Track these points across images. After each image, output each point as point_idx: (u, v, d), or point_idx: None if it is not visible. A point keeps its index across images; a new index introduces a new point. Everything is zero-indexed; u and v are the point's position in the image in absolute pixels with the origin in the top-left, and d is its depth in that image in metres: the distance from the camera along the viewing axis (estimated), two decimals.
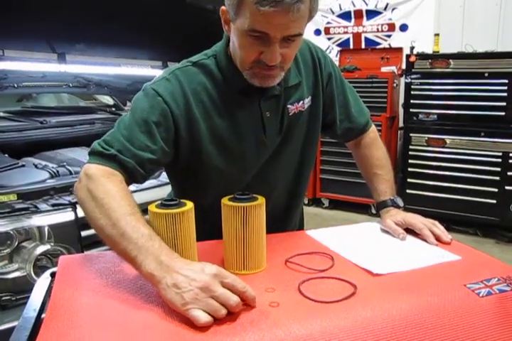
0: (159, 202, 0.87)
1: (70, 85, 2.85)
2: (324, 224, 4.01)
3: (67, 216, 1.65)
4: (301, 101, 1.11)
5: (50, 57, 2.47)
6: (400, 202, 1.20)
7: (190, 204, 0.88)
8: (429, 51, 3.78)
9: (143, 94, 1.02)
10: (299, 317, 0.74)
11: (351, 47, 4.75)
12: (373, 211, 4.01)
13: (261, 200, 0.89)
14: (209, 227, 0.97)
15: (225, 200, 0.90)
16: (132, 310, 0.78)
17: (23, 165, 1.96)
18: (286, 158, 1.15)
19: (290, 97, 1.09)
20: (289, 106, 1.09)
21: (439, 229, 1.09)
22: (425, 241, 1.06)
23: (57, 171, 1.95)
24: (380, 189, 1.22)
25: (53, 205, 1.64)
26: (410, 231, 1.11)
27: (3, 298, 1.57)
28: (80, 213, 1.65)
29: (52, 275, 0.97)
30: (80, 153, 2.41)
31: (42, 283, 0.95)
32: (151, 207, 0.86)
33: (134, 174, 0.97)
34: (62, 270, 0.97)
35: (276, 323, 0.72)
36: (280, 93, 1.07)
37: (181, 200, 0.88)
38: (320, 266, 0.93)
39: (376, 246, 1.05)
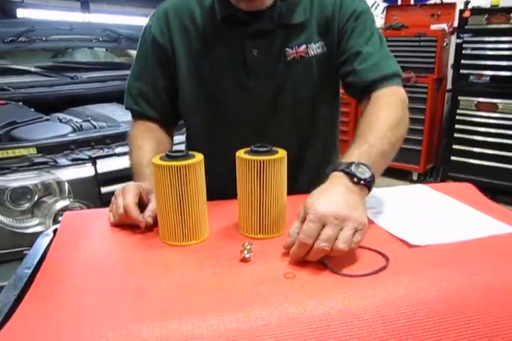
0: (164, 153, 0.76)
1: (100, 39, 2.75)
2: None
3: (86, 171, 1.58)
4: (305, 46, 0.96)
5: (73, 5, 2.35)
6: (362, 173, 0.74)
7: (199, 156, 0.76)
8: (486, 6, 3.44)
9: (142, 30, 1.07)
10: (317, 293, 0.62)
11: (399, 3, 4.42)
12: (414, 177, 3.82)
13: (281, 153, 0.77)
14: (216, 189, 0.88)
15: (240, 153, 0.78)
16: (128, 274, 0.69)
17: (47, 120, 1.90)
18: (288, 113, 1.02)
19: (291, 39, 0.96)
20: (287, 49, 0.95)
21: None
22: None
23: (81, 126, 1.88)
24: (350, 151, 0.81)
25: (73, 160, 1.57)
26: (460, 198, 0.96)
27: (25, 252, 1.54)
28: (100, 168, 1.58)
29: (55, 232, 0.89)
30: (109, 109, 2.35)
31: (42, 240, 0.87)
32: (155, 159, 0.75)
33: (161, 119, 1.09)
34: (64, 227, 0.89)
35: (290, 298, 0.61)
36: (272, 29, 0.94)
37: (190, 152, 0.77)
38: None
39: (414, 213, 0.92)
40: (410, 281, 0.65)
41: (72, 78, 2.53)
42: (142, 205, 0.84)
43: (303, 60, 0.97)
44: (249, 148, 0.78)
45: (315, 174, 1.04)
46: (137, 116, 1.10)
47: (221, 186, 0.94)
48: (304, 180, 1.08)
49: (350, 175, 0.73)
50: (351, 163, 0.75)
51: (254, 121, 1.02)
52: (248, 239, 0.79)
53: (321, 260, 0.70)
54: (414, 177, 3.83)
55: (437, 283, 0.64)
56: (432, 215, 0.90)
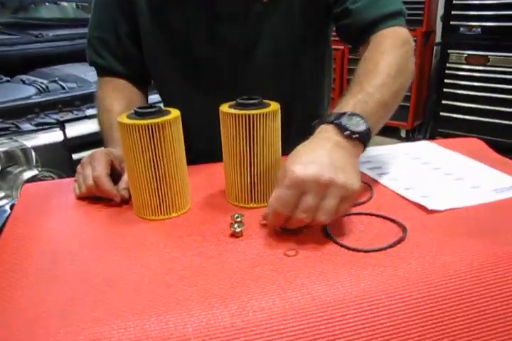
0: (132, 110, 0.63)
1: None
2: None
3: (54, 136, 1.42)
4: None
5: None
6: (356, 125, 0.61)
7: (175, 112, 0.63)
8: None
9: None
10: (326, 274, 0.51)
11: None
12: (402, 134, 3.73)
13: (274, 106, 0.64)
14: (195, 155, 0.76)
15: (223, 107, 0.64)
16: (95, 259, 0.57)
17: (7, 81, 1.72)
18: (261, 64, 0.88)
19: None
20: None
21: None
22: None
23: (47, 87, 1.71)
24: (343, 101, 0.67)
25: (37, 124, 1.41)
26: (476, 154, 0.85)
27: None
28: (70, 133, 1.43)
29: (13, 207, 0.76)
30: (80, 69, 2.15)
31: None
32: (121, 118, 0.62)
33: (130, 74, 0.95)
34: (23, 202, 0.76)
35: (293, 282, 0.50)
36: None
37: (163, 108, 0.64)
38: None
39: (425, 173, 0.80)
40: (434, 255, 0.54)
41: (36, 36, 2.32)
42: (115, 175, 0.72)
43: (282, 2, 0.83)
44: (234, 101, 0.65)
45: (302, 136, 0.93)
46: (103, 71, 0.96)
47: (200, 151, 0.85)
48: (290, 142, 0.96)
49: (341, 128, 0.60)
50: (343, 114, 0.61)
51: (230, 71, 0.89)
52: (238, 209, 0.67)
53: (328, 232, 0.59)
54: (403, 134, 3.72)
55: (467, 257, 0.54)
56: (446, 174, 0.79)
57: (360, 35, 0.83)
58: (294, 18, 0.85)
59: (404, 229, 0.60)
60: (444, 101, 3.45)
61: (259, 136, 0.62)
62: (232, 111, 0.62)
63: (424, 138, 3.62)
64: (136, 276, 0.52)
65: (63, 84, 1.78)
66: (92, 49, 0.94)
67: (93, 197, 0.72)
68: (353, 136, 0.60)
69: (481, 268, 0.52)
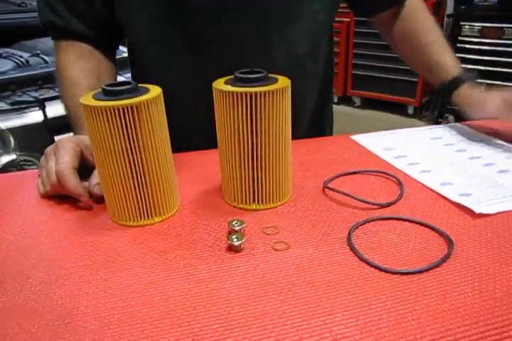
0: (99, 88, 0.49)
1: None
2: (355, 124, 3.58)
3: (33, 117, 1.28)
4: None
5: None
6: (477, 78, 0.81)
7: (155, 90, 0.49)
8: None
9: None
10: (352, 308, 0.38)
11: None
12: (410, 111, 3.57)
13: (283, 82, 0.50)
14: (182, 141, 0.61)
15: (218, 83, 0.50)
16: (50, 287, 0.44)
17: None
18: (265, 20, 0.72)
19: None
20: None
21: None
22: None
23: (27, 61, 1.55)
24: (446, 61, 0.83)
25: (14, 103, 1.26)
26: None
27: None
28: (51, 113, 1.29)
29: None
30: None
31: None
32: (85, 99, 0.48)
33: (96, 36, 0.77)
34: None
35: (309, 320, 0.37)
36: None
37: (140, 85, 0.50)
38: (381, 197, 0.56)
39: (462, 163, 0.67)
40: (494, 278, 0.41)
41: (19, 5, 2.16)
42: (86, 169, 0.58)
43: None
44: (232, 76, 0.50)
45: (311, 101, 0.87)
46: (61, 34, 0.77)
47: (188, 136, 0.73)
48: (304, 121, 0.84)
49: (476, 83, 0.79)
50: (467, 73, 0.80)
51: (232, 34, 0.72)
52: (237, 212, 0.54)
53: (352, 246, 0.46)
54: (410, 110, 3.57)
55: None
56: (487, 165, 0.66)
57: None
58: None
59: (449, 241, 0.47)
60: None
61: (265, 119, 0.48)
62: (230, 88, 0.48)
63: (433, 114, 3.47)
64: (102, 310, 0.39)
65: (46, 58, 1.63)
66: (47, 6, 0.75)
67: (62, 196, 0.59)
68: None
69: None
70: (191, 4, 0.69)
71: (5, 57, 1.56)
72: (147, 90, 0.48)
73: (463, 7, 3.17)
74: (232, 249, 0.47)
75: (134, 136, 0.47)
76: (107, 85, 0.47)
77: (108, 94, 0.47)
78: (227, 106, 0.48)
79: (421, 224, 0.50)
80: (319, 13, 0.76)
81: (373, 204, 0.54)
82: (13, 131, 1.25)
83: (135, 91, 0.47)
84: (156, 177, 0.51)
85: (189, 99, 0.77)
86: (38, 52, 1.65)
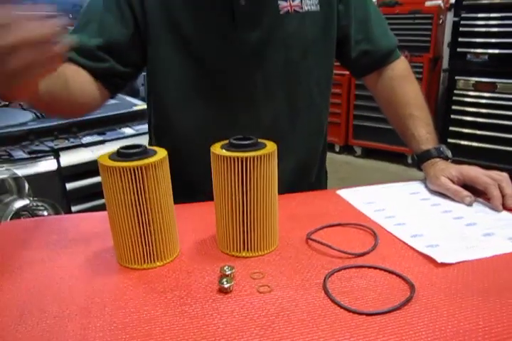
0: (115, 150, 0.58)
1: None
2: (355, 173, 3.72)
3: (48, 165, 1.38)
4: (299, 0, 0.85)
5: None
6: (448, 152, 0.90)
7: (162, 153, 0.58)
8: None
9: None
10: (324, 339, 0.45)
11: None
12: (409, 161, 3.67)
13: (270, 147, 0.59)
14: (186, 186, 0.69)
15: (215, 148, 0.59)
16: (64, 317, 0.51)
17: (6, 105, 1.68)
18: (279, 72, 0.87)
19: None
20: (280, 1, 0.84)
21: (510, 186, 0.79)
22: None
23: None
24: (420, 135, 0.92)
25: (31, 152, 1.37)
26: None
27: None
28: (65, 162, 1.39)
29: None
30: None
31: None
32: (102, 159, 0.57)
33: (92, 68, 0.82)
34: None
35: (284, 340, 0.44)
36: None
37: (149, 147, 0.59)
38: (357, 247, 0.64)
39: (434, 217, 0.74)
40: (447, 321, 0.48)
41: None
42: None
43: (297, 15, 0.85)
44: (227, 141, 0.60)
45: (304, 152, 0.97)
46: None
47: (198, 179, 0.79)
48: (291, 159, 0.92)
49: (444, 157, 0.89)
50: (437, 148, 0.89)
51: (241, 82, 0.86)
52: (229, 259, 0.62)
53: (327, 289, 0.53)
54: (409, 160, 3.67)
55: (484, 324, 0.48)
56: (456, 219, 0.73)
57: (381, 61, 0.97)
58: (305, 30, 0.87)
59: (411, 286, 0.54)
60: (451, 128, 3.40)
61: (254, 180, 0.57)
62: (225, 152, 0.57)
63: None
64: (109, 340, 0.46)
65: None
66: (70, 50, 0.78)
67: (72, 241, 0.66)
68: (449, 160, 0.89)
69: (501, 338, 0.46)
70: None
71: (25, 109, 1.68)
72: (155, 153, 0.57)
73: (457, 63, 3.33)
74: (222, 290, 0.54)
75: (142, 191, 0.56)
76: (121, 148, 0.56)
77: (121, 155, 0.56)
78: (222, 167, 0.57)
79: (389, 271, 0.57)
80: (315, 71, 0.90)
81: (349, 253, 0.62)
82: (28, 177, 1.34)
83: (144, 154, 0.56)
84: (159, 227, 0.59)
85: (199, 134, 0.87)
86: None
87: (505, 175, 0.81)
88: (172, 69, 0.85)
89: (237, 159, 0.56)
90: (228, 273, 0.55)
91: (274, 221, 0.63)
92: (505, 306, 0.50)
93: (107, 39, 0.82)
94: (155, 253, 0.60)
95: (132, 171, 0.54)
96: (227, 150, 0.58)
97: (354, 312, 0.50)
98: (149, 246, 0.59)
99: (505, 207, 0.76)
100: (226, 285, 0.53)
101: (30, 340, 0.47)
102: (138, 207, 0.56)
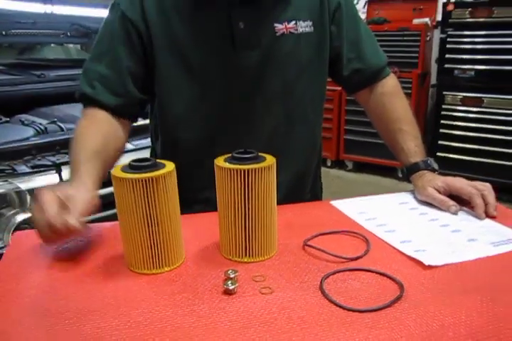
0: (127, 163, 0.62)
1: (69, 34, 2.57)
2: (346, 187, 3.77)
3: (50, 179, 1.42)
4: (294, 22, 0.92)
5: None
6: (435, 165, 0.96)
7: (170, 166, 0.63)
8: None
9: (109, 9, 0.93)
10: (320, 336, 0.49)
11: None
12: (400, 174, 3.73)
13: (269, 160, 0.64)
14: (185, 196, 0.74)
15: (219, 161, 0.64)
16: (82, 316, 0.55)
17: (6, 122, 1.73)
18: (276, 90, 0.93)
19: (279, 14, 0.91)
20: (276, 24, 0.90)
21: (492, 195, 0.84)
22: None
23: (45, 128, 1.72)
24: (409, 148, 0.97)
25: (34, 167, 1.41)
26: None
27: None
28: (66, 175, 1.43)
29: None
30: (79, 109, 2.17)
31: None
32: (115, 171, 0.61)
33: (117, 107, 0.91)
34: (12, 251, 0.75)
35: (286, 335, 0.48)
36: (258, 0, 0.89)
37: (158, 160, 0.64)
38: (350, 252, 0.68)
39: (422, 224, 0.80)
40: (433, 316, 0.53)
41: (39, 76, 2.35)
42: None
43: (292, 36, 0.92)
44: (230, 155, 0.65)
45: (300, 164, 1.03)
46: (89, 103, 0.91)
47: (198, 190, 0.89)
48: (288, 171, 0.97)
49: (431, 170, 0.95)
50: (425, 161, 0.95)
51: (241, 100, 0.92)
52: (232, 264, 0.66)
53: (323, 290, 0.58)
54: (400, 174, 3.74)
55: (466, 318, 0.53)
56: (442, 226, 0.79)
57: (372, 78, 1.03)
58: (300, 51, 0.93)
59: (401, 287, 0.59)
60: (440, 142, 3.48)
61: (255, 190, 0.62)
62: (228, 165, 0.62)
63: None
64: (124, 338, 0.50)
65: (62, 125, 1.79)
66: (85, 80, 0.91)
67: (84, 249, 0.71)
68: (436, 172, 0.94)
69: (481, 328, 0.51)
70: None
71: (27, 125, 1.73)
72: (163, 166, 0.62)
73: (445, 78, 3.42)
74: (227, 292, 0.58)
75: (152, 201, 0.60)
76: (133, 161, 0.61)
77: (133, 168, 0.61)
78: (225, 179, 0.62)
79: (380, 273, 0.62)
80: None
81: (343, 258, 0.66)
82: (31, 191, 1.38)
83: (154, 166, 0.61)
84: (167, 235, 0.63)
85: (204, 151, 0.91)
86: (55, 120, 1.82)
87: (488, 185, 0.86)
88: (176, 90, 0.91)
89: (239, 171, 0.61)
90: (232, 276, 0.60)
91: (273, 228, 0.68)
92: (485, 302, 0.55)
93: (123, 70, 0.89)
94: (163, 259, 0.64)
95: (143, 182, 0.59)
96: (230, 163, 0.63)
97: (349, 309, 0.54)
98: (158, 253, 0.64)
99: (487, 215, 0.81)
100: (231, 287, 0.57)
101: (51, 338, 0.51)
102: (148, 215, 0.61)
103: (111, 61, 0.90)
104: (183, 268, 0.66)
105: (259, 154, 0.65)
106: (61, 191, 0.69)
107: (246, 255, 0.67)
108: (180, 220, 0.67)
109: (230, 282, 0.58)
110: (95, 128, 0.88)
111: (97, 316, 0.55)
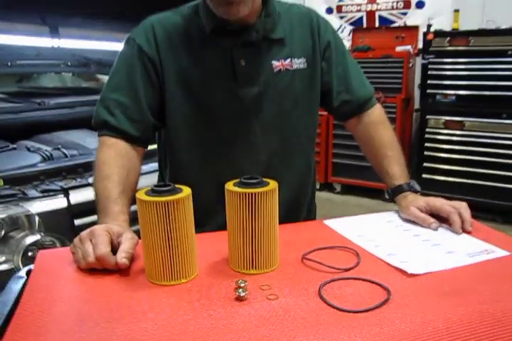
0: (149, 188, 0.72)
1: (69, 64, 2.69)
2: (335, 209, 3.86)
3: (58, 203, 1.50)
4: (290, 59, 1.03)
5: (42, 30, 2.30)
6: (417, 187, 1.06)
7: (186, 190, 0.72)
8: (447, 29, 3.56)
9: (124, 43, 1.04)
10: (322, 331, 0.59)
11: (364, 26, 4.52)
12: (386, 196, 3.84)
13: (272, 185, 0.74)
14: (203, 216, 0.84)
15: (229, 185, 0.74)
16: (112, 321, 0.63)
17: (14, 149, 1.82)
18: (273, 121, 1.05)
19: (276, 52, 1.03)
20: (274, 61, 1.02)
21: (468, 213, 0.94)
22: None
23: (51, 154, 1.81)
24: (394, 172, 1.08)
25: (43, 191, 1.50)
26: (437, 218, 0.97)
27: None
28: (73, 199, 1.51)
29: (29, 273, 0.82)
30: (79, 136, 2.27)
31: (15, 285, 0.79)
32: (139, 194, 0.71)
33: (138, 136, 1.00)
34: (39, 268, 0.82)
35: (292, 340, 0.57)
36: (258, 41, 1.00)
37: (176, 185, 0.73)
38: (343, 264, 0.78)
39: (406, 239, 0.90)
40: (416, 315, 0.62)
41: (39, 104, 2.44)
42: (112, 249, 0.78)
43: (288, 72, 1.04)
44: (238, 180, 0.75)
45: (297, 186, 1.14)
46: (109, 132, 0.98)
47: (207, 211, 0.99)
48: (285, 191, 1.05)
49: (414, 191, 1.05)
50: (408, 183, 1.05)
51: (242, 129, 1.04)
52: (240, 276, 0.75)
53: (321, 295, 0.67)
54: (386, 195, 3.85)
55: (444, 316, 0.62)
56: (424, 241, 0.89)
57: (359, 108, 1.14)
58: (294, 85, 1.05)
59: (388, 291, 0.68)
60: (425, 164, 3.61)
61: (260, 211, 0.72)
62: (237, 189, 0.72)
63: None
64: (153, 338, 0.59)
65: (66, 152, 1.88)
66: (105, 108, 0.98)
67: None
68: (418, 193, 1.05)
69: (456, 324, 0.60)
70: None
71: (33, 151, 1.82)
72: (181, 190, 0.72)
73: (427, 103, 3.58)
74: (238, 298, 0.67)
75: (172, 220, 0.70)
76: (155, 186, 0.71)
77: (155, 192, 0.70)
78: (234, 201, 0.72)
79: (370, 281, 0.72)
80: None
81: (338, 269, 0.76)
82: (40, 214, 1.46)
83: (174, 191, 0.71)
84: (184, 250, 0.72)
85: (209, 182, 1.04)
86: (59, 146, 1.91)
87: (464, 204, 0.97)
88: (183, 120, 1.02)
89: (247, 194, 0.71)
90: (242, 285, 0.69)
91: (275, 244, 0.77)
92: (461, 303, 0.65)
93: (141, 100, 0.99)
94: (180, 271, 0.73)
95: (165, 205, 0.69)
96: (238, 187, 0.73)
97: (344, 311, 0.64)
98: (176, 266, 0.72)
99: (464, 230, 0.92)
100: (242, 294, 0.66)
101: (90, 338, 0.59)
102: (168, 233, 0.70)
103: (129, 91, 0.99)
104: (198, 279, 0.75)
105: (263, 180, 0.75)
106: (111, 229, 0.80)
107: (252, 267, 0.76)
108: (195, 237, 0.76)
109: (241, 290, 0.67)
110: (119, 162, 0.95)
111: (126, 321, 0.63)
